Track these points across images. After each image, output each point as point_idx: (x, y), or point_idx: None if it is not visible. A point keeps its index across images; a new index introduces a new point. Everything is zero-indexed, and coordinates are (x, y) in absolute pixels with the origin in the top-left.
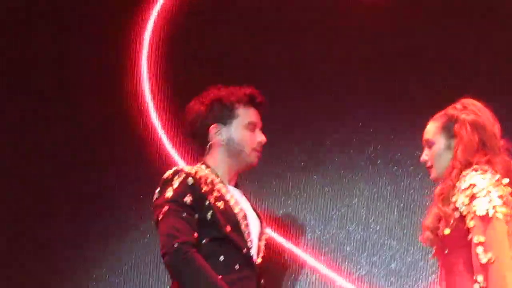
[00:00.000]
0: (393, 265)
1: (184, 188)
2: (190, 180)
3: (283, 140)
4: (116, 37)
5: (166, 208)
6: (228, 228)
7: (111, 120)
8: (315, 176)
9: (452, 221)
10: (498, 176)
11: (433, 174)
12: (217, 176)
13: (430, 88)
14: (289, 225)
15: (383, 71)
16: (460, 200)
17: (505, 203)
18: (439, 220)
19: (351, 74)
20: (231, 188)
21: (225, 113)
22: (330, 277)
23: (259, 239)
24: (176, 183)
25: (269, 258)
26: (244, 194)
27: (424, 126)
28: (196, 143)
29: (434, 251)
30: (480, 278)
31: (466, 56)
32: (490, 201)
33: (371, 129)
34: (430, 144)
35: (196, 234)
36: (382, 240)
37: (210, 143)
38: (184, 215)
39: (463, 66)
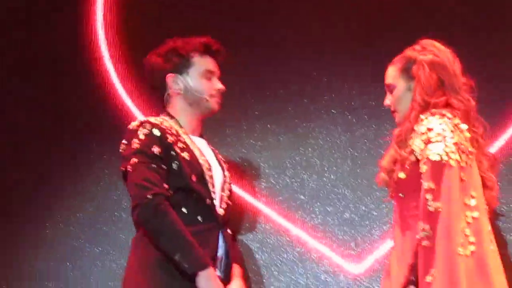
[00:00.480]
0: (347, 215)
1: (150, 139)
2: (156, 131)
3: (238, 89)
4: None
5: (134, 159)
6: (194, 178)
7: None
8: (269, 125)
9: (407, 165)
10: (456, 121)
11: (397, 118)
12: (181, 126)
13: (386, 34)
14: (244, 174)
15: (336, 19)
16: (417, 144)
17: (459, 150)
18: (395, 162)
19: (304, 25)
20: (196, 139)
21: (180, 62)
22: (284, 226)
23: (222, 190)
24: (141, 134)
25: (232, 208)
26: (209, 144)
27: (378, 74)
28: (157, 94)
29: (389, 193)
30: (426, 226)
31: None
32: (445, 147)
33: (325, 77)
34: (391, 88)
35: (166, 186)
36: (336, 189)
37: (168, 92)
38: (153, 166)
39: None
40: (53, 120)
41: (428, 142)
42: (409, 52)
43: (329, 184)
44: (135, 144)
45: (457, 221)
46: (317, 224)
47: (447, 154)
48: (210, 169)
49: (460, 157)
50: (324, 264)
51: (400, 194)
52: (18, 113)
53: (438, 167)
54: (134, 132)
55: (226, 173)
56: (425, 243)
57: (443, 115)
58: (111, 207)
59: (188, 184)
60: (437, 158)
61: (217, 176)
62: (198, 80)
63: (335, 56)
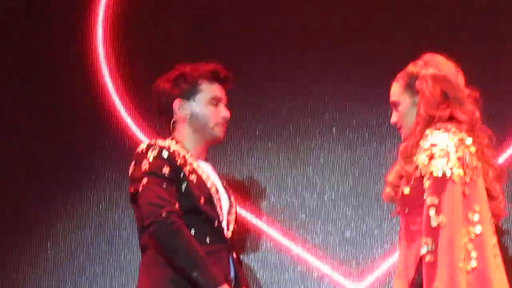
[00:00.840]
0: (348, 233)
1: (160, 161)
2: (165, 153)
3: (238, 108)
4: None
5: (145, 180)
6: (202, 201)
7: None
8: (269, 144)
9: (412, 181)
10: (461, 136)
11: (403, 134)
12: (187, 151)
13: (384, 52)
14: (244, 193)
15: (339, 38)
16: (421, 159)
17: (463, 165)
18: (401, 177)
19: (306, 42)
20: (202, 163)
21: (188, 89)
22: (285, 245)
23: (229, 213)
24: (151, 156)
25: (238, 232)
26: (214, 170)
27: (380, 93)
28: (163, 120)
29: (395, 208)
30: (429, 240)
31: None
32: (447, 162)
33: (326, 96)
34: (397, 105)
35: (178, 205)
36: (337, 208)
37: (174, 118)
38: (164, 186)
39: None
40: (55, 138)
41: (431, 157)
42: (411, 67)
43: (330, 203)
44: (145, 165)
45: (459, 236)
46: (318, 243)
47: (450, 169)
48: (217, 192)
49: (464, 172)
50: (325, 283)
51: (406, 210)
52: (18, 113)
53: (441, 183)
54: (144, 154)
55: (232, 197)
56: (428, 258)
57: (448, 130)
58: (112, 226)
59: (196, 206)
60: (440, 174)
61: (224, 199)
62: (205, 107)
63: (336, 75)
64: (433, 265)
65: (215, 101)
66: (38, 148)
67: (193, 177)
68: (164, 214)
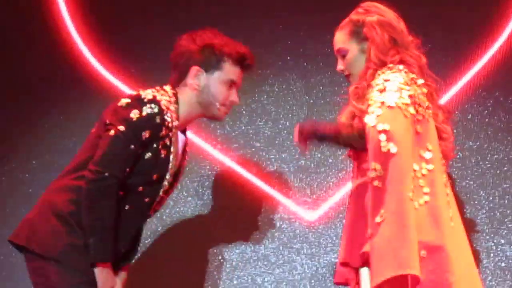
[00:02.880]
0: (302, 162)
1: (148, 121)
2: (158, 119)
3: None
4: None
5: (122, 128)
6: (154, 177)
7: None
8: None
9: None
10: (412, 76)
11: (352, 81)
12: (178, 117)
13: None
14: (199, 122)
15: None
16: (374, 94)
17: (415, 103)
18: (354, 117)
19: None
20: (180, 135)
21: (211, 61)
22: (239, 173)
23: (164, 193)
24: (144, 111)
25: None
26: (187, 139)
27: (333, 22)
28: (174, 74)
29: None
30: (377, 166)
31: None
32: (400, 97)
33: (281, 25)
34: (343, 53)
35: (128, 169)
36: (291, 136)
37: (185, 81)
38: (131, 147)
39: None
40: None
41: (383, 90)
42: (354, 15)
43: (284, 131)
44: (134, 114)
45: (409, 166)
46: (272, 171)
47: (402, 104)
48: (171, 175)
49: (416, 111)
50: (279, 211)
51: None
52: None
53: (393, 112)
54: (142, 103)
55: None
56: (376, 183)
57: (399, 70)
58: None
59: (146, 178)
60: (393, 104)
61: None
62: (219, 85)
63: (289, 5)
64: (381, 190)
65: (230, 83)
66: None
67: (162, 152)
68: (107, 173)
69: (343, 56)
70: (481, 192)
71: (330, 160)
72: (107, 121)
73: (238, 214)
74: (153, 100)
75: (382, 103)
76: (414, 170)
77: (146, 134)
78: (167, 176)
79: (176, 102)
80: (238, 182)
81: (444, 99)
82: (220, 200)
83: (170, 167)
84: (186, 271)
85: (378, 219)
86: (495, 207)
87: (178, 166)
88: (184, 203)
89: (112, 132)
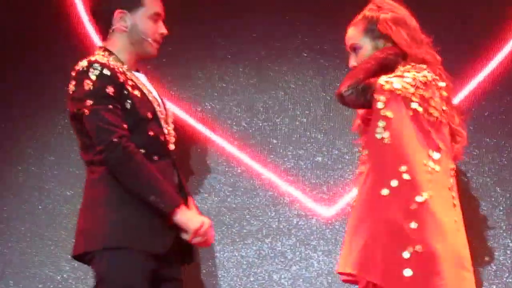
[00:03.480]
0: (319, 158)
1: (102, 79)
2: (106, 71)
3: (208, 32)
4: None
5: (89, 101)
6: (149, 115)
7: None
8: (241, 68)
9: None
10: (435, 76)
11: None
12: (123, 63)
13: None
14: (216, 117)
15: None
16: (393, 80)
17: (430, 105)
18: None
19: None
20: (137, 75)
21: (132, 0)
22: (256, 170)
23: (167, 124)
24: (92, 75)
25: (180, 142)
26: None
27: (350, 18)
28: (99, 26)
29: (361, 141)
30: (365, 151)
31: None
32: (413, 86)
33: (297, 21)
34: (357, 48)
35: (126, 125)
36: (308, 133)
37: (113, 27)
38: (110, 107)
39: None
40: (19, 57)
41: (400, 76)
42: (368, 12)
43: (301, 127)
44: (88, 85)
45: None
46: (289, 167)
47: (413, 94)
48: (159, 105)
49: (427, 111)
50: (296, 208)
51: None
52: None
53: (402, 100)
54: (85, 73)
55: (168, 108)
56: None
57: (423, 69)
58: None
59: (143, 122)
60: (402, 92)
61: (163, 111)
62: (146, 21)
63: (307, 2)
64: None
65: (156, 17)
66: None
67: (136, 92)
68: (115, 140)
69: (356, 52)
70: (498, 189)
71: (347, 157)
72: (75, 110)
73: (254, 211)
74: (92, 63)
75: (394, 88)
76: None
77: (111, 89)
78: (158, 108)
79: (111, 53)
80: (255, 179)
81: (460, 96)
82: (236, 197)
83: (151, 99)
84: (204, 268)
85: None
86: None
87: (160, 97)
88: (201, 199)
89: (86, 111)
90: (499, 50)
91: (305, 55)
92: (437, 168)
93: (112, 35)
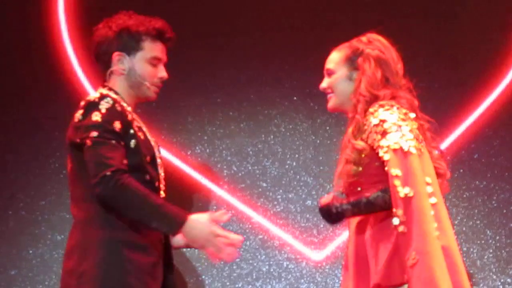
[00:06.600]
0: (309, 202)
1: (112, 114)
2: (118, 107)
3: (199, 76)
4: None
5: (94, 133)
6: (148, 159)
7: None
8: (231, 112)
9: (364, 157)
10: (405, 111)
11: (331, 102)
12: (127, 104)
13: (347, 25)
14: (205, 161)
15: (296, 5)
16: (372, 137)
17: (415, 137)
18: (347, 163)
19: (266, 12)
20: (138, 119)
21: (130, 43)
22: (246, 213)
23: (162, 170)
24: (103, 108)
25: (170, 185)
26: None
27: None
28: (99, 67)
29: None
30: (399, 212)
31: None
32: (402, 136)
33: (287, 65)
34: (331, 73)
35: (126, 161)
36: (298, 176)
37: (111, 69)
38: (113, 143)
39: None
40: (13, 107)
41: (384, 133)
42: (355, 42)
43: (291, 171)
44: (96, 116)
45: (428, 205)
46: (279, 211)
47: (406, 141)
48: (158, 151)
49: (417, 144)
50: (286, 251)
51: (358, 189)
52: None
53: (401, 155)
54: (95, 105)
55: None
56: (401, 229)
57: (391, 106)
58: None
59: (143, 164)
60: (397, 146)
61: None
62: (144, 65)
63: (296, 44)
64: (406, 235)
65: (155, 61)
66: None
67: (140, 134)
68: (108, 173)
69: (329, 76)
70: (488, 232)
71: None
72: (77, 141)
73: (245, 254)
74: (104, 96)
75: (388, 147)
76: None
77: (118, 125)
78: (157, 153)
79: (116, 93)
80: (245, 222)
81: (450, 139)
82: None
83: (153, 144)
84: None
85: (410, 262)
86: (501, 246)
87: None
88: None
89: (88, 142)
90: (488, 93)
91: (295, 98)
92: (434, 200)
93: (110, 77)
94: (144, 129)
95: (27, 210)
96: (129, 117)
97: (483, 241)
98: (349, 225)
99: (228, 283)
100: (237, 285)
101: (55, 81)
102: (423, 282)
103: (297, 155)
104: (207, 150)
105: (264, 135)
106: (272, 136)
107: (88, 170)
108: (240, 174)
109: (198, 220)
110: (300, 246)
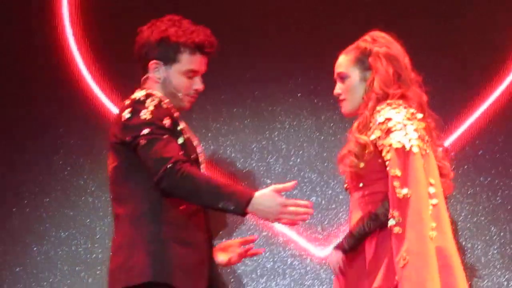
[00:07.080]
0: (313, 198)
1: (161, 111)
2: (164, 105)
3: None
4: None
5: (147, 130)
6: (194, 156)
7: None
8: (235, 109)
9: (366, 155)
10: (412, 110)
11: (346, 107)
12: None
13: (350, 20)
14: (210, 158)
15: (301, 4)
16: (376, 134)
17: (420, 137)
18: (354, 154)
19: (270, 10)
20: None
21: (168, 54)
22: None
23: (203, 170)
24: (151, 105)
25: None
26: None
27: None
28: (137, 67)
29: (346, 184)
30: (396, 213)
31: None
32: (406, 135)
33: (291, 61)
34: (344, 77)
35: (181, 152)
36: (302, 173)
37: (146, 75)
38: (166, 137)
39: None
40: (18, 106)
41: (388, 131)
42: (362, 43)
43: (295, 168)
44: (145, 114)
45: (426, 206)
46: None
47: (409, 141)
48: (202, 150)
49: (421, 143)
50: (290, 248)
51: (360, 185)
52: None
53: (402, 154)
54: (142, 103)
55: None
56: (396, 229)
57: (399, 105)
58: (77, 192)
59: (190, 160)
60: (400, 145)
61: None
62: (179, 77)
63: (300, 40)
64: (400, 236)
65: (191, 73)
66: (2, 117)
67: (186, 133)
68: (169, 166)
69: (342, 80)
70: (492, 228)
71: (341, 197)
72: (128, 139)
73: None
74: (150, 94)
75: (390, 146)
76: None
77: (167, 122)
78: (200, 153)
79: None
80: (249, 218)
81: (455, 135)
82: (231, 237)
83: (195, 143)
84: None
85: (401, 263)
86: (506, 243)
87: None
88: None
89: (142, 141)
90: (493, 89)
91: (299, 95)
92: (435, 201)
93: (147, 82)
94: (187, 129)
95: (32, 208)
96: (175, 114)
97: (487, 238)
98: (349, 224)
99: (232, 280)
100: (241, 282)
101: (60, 80)
102: (412, 283)
103: (301, 152)
104: (211, 147)
105: (268, 132)
106: (276, 133)
107: (148, 169)
108: (244, 171)
109: (263, 196)
110: (304, 243)
